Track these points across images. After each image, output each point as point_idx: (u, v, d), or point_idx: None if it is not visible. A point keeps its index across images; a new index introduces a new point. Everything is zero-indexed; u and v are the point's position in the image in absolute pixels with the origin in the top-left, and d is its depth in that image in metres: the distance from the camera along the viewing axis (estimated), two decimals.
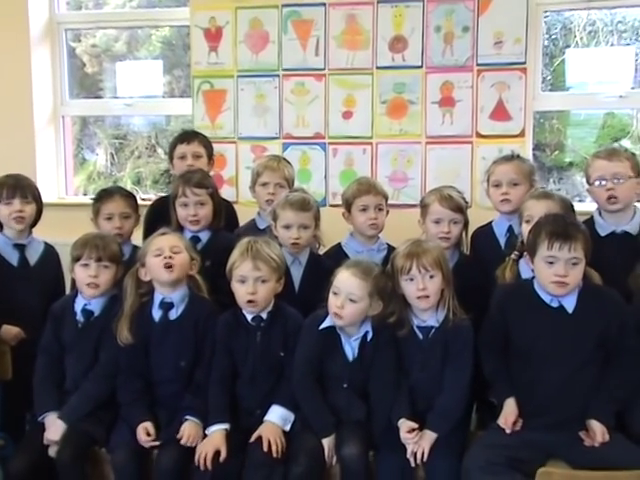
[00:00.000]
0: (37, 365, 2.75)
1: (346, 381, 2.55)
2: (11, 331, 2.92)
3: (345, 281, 2.49)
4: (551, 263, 2.35)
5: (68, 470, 2.50)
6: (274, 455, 2.43)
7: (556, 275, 2.34)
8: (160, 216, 3.25)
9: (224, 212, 3.12)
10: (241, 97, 4.12)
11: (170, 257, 2.62)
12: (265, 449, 2.42)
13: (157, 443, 2.52)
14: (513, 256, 2.67)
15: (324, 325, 2.55)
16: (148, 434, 2.53)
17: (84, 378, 2.70)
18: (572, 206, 2.78)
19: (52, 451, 2.57)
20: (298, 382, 2.55)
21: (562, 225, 2.38)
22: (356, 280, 2.48)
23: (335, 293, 2.50)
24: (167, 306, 2.67)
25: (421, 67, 3.92)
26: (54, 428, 2.59)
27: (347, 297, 2.47)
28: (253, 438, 2.47)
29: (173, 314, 2.68)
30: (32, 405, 2.74)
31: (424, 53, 3.91)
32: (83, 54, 4.64)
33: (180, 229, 3.00)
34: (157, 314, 2.68)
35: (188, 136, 3.40)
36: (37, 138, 4.37)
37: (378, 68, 3.96)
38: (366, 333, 2.55)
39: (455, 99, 3.90)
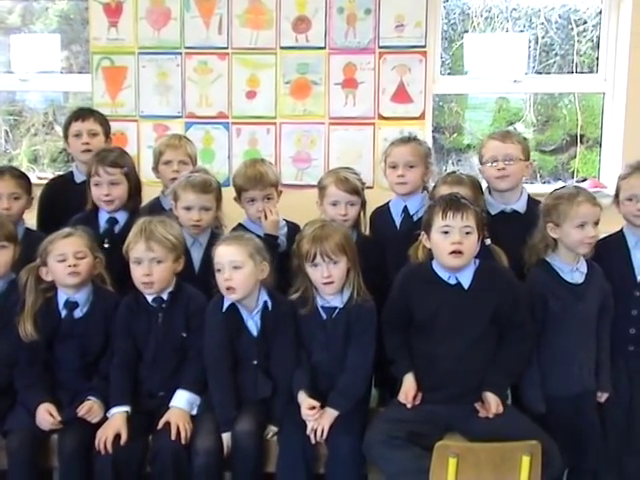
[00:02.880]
0: None
1: (255, 357, 2.57)
2: None
3: (223, 254, 2.52)
4: (446, 233, 2.44)
5: None
6: (182, 442, 2.42)
7: (452, 244, 2.43)
8: (56, 196, 3.18)
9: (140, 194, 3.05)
10: (142, 74, 4.04)
11: (74, 265, 2.57)
12: (173, 436, 2.42)
13: (58, 421, 2.48)
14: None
15: (226, 306, 2.56)
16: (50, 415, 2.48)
17: None
18: (481, 187, 2.91)
19: None
20: (211, 368, 2.55)
21: (454, 198, 2.50)
22: (232, 247, 2.52)
23: (219, 270, 2.52)
24: (72, 305, 2.63)
25: (324, 48, 3.94)
26: None
27: (230, 267, 2.49)
28: (161, 424, 2.46)
29: (78, 312, 2.63)
30: None
31: (327, 34, 3.93)
32: None
33: (95, 209, 2.94)
34: (62, 311, 2.63)
35: (83, 113, 3.31)
36: None
37: (282, 48, 3.96)
38: (265, 303, 2.58)
39: (358, 81, 3.95)
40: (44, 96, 4.61)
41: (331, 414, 2.46)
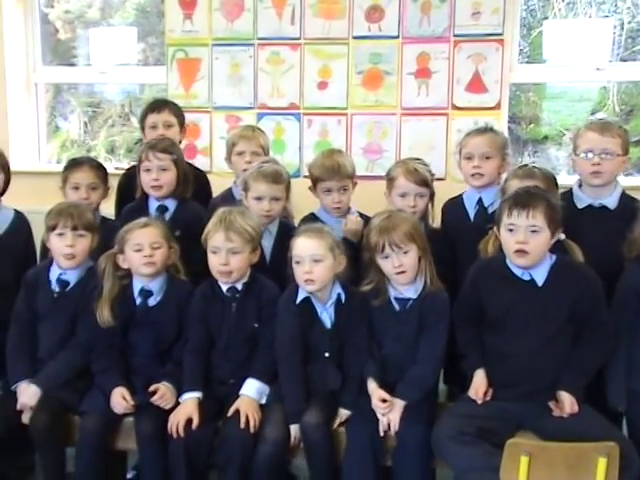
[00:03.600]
0: (10, 333, 2.75)
1: (327, 349, 2.57)
2: None
3: (303, 246, 2.51)
4: (511, 231, 2.38)
5: (42, 435, 2.52)
6: (251, 430, 2.44)
7: (516, 242, 2.36)
8: (132, 185, 3.24)
9: (192, 183, 3.08)
10: (216, 66, 4.09)
11: (150, 255, 2.62)
12: (242, 425, 2.43)
13: (131, 405, 2.53)
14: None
15: (300, 298, 2.56)
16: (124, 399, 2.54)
17: (59, 347, 2.69)
18: (555, 180, 2.77)
19: (25, 417, 2.58)
20: (283, 360, 2.55)
21: (523, 194, 2.41)
22: (313, 241, 2.51)
23: (298, 262, 2.52)
24: (147, 293, 2.67)
25: (397, 37, 3.90)
26: (29, 393, 2.60)
27: (311, 260, 2.49)
28: (230, 412, 2.48)
29: (152, 301, 2.68)
30: (4, 372, 2.73)
31: (401, 23, 3.89)
32: (56, 20, 4.57)
33: (145, 197, 2.98)
34: (138, 298, 2.68)
35: (159, 105, 3.35)
36: (9, 105, 4.31)
37: (354, 38, 3.93)
38: (339, 296, 2.57)
39: (431, 70, 3.90)
40: (121, 88, 4.73)
41: (400, 405, 2.44)
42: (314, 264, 2.50)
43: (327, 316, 2.58)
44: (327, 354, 2.56)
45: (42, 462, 2.59)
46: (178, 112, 3.36)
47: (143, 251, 2.61)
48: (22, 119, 4.41)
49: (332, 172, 2.90)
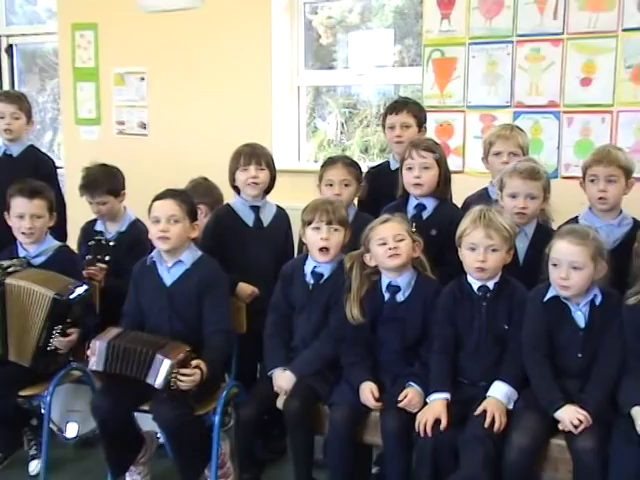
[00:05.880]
0: (267, 322, 2.93)
1: (580, 350, 2.45)
2: (247, 289, 3.13)
3: (564, 250, 2.40)
4: None
5: (294, 420, 2.66)
6: (495, 431, 2.38)
7: None
8: (375, 182, 3.30)
9: (449, 184, 3.07)
10: (472, 65, 4.02)
11: (395, 247, 2.65)
12: (487, 424, 2.38)
13: (380, 405, 2.58)
14: None
15: (548, 296, 2.47)
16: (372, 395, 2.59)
17: (313, 337, 2.83)
18: None
19: (279, 402, 2.74)
20: (527, 356, 2.49)
21: None
22: (575, 247, 2.39)
23: (555, 265, 2.42)
24: (394, 289, 2.72)
25: None
26: (285, 378, 2.76)
27: (570, 266, 2.38)
28: (478, 411, 2.44)
29: (400, 297, 2.71)
30: (262, 357, 2.93)
31: None
32: (319, 26, 4.79)
33: (406, 196, 3.01)
34: (385, 294, 2.73)
35: (397, 106, 3.36)
36: (274, 107, 4.60)
37: (624, 30, 3.65)
38: (594, 297, 2.44)
39: None
40: (377, 89, 4.83)
41: None
42: (572, 271, 2.39)
43: (581, 316, 2.45)
44: (579, 355, 2.44)
45: (292, 446, 2.74)
46: (417, 112, 3.35)
47: (387, 244, 2.65)
48: (285, 120, 4.69)
49: (599, 157, 2.76)
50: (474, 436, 2.39)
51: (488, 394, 2.48)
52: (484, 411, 2.42)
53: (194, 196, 3.10)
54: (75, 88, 5.19)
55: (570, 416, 2.31)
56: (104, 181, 3.44)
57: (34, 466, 3.18)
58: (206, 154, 4.41)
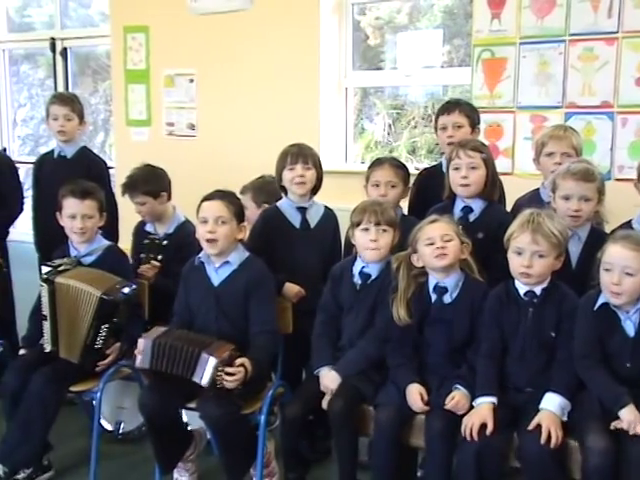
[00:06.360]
0: (316, 322, 2.94)
1: (628, 360, 2.40)
2: (293, 289, 3.15)
3: (617, 255, 2.35)
4: None
5: (339, 420, 2.66)
6: (552, 447, 2.33)
7: None
8: (427, 183, 3.28)
9: (499, 188, 3.02)
10: (522, 65, 3.96)
11: (442, 247, 2.64)
12: (543, 440, 2.33)
13: (427, 408, 2.56)
14: None
15: (598, 303, 2.43)
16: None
17: (360, 337, 2.83)
18: None
19: (324, 402, 2.74)
20: (579, 363, 2.44)
21: None
22: (630, 252, 2.34)
23: (607, 270, 2.37)
24: (442, 290, 2.70)
25: None
26: (330, 378, 2.76)
27: (622, 272, 2.33)
28: (532, 426, 2.38)
29: (447, 298, 2.70)
30: (309, 357, 2.93)
31: None
32: (367, 27, 4.77)
33: (453, 198, 2.98)
34: (433, 295, 2.72)
35: (449, 107, 3.34)
36: (322, 108, 4.60)
37: None
38: None
39: None
40: (425, 90, 4.80)
41: None
42: (624, 276, 2.34)
43: (630, 324, 2.40)
44: (628, 364, 2.39)
45: (337, 446, 2.73)
46: (470, 112, 3.32)
47: (435, 244, 2.64)
48: (332, 121, 4.69)
49: None
50: (528, 450, 2.35)
51: (541, 407, 2.42)
52: (538, 425, 2.37)
53: (260, 194, 3.11)
54: (126, 90, 5.28)
55: (635, 418, 2.27)
56: (142, 182, 3.50)
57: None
58: (254, 155, 4.44)
